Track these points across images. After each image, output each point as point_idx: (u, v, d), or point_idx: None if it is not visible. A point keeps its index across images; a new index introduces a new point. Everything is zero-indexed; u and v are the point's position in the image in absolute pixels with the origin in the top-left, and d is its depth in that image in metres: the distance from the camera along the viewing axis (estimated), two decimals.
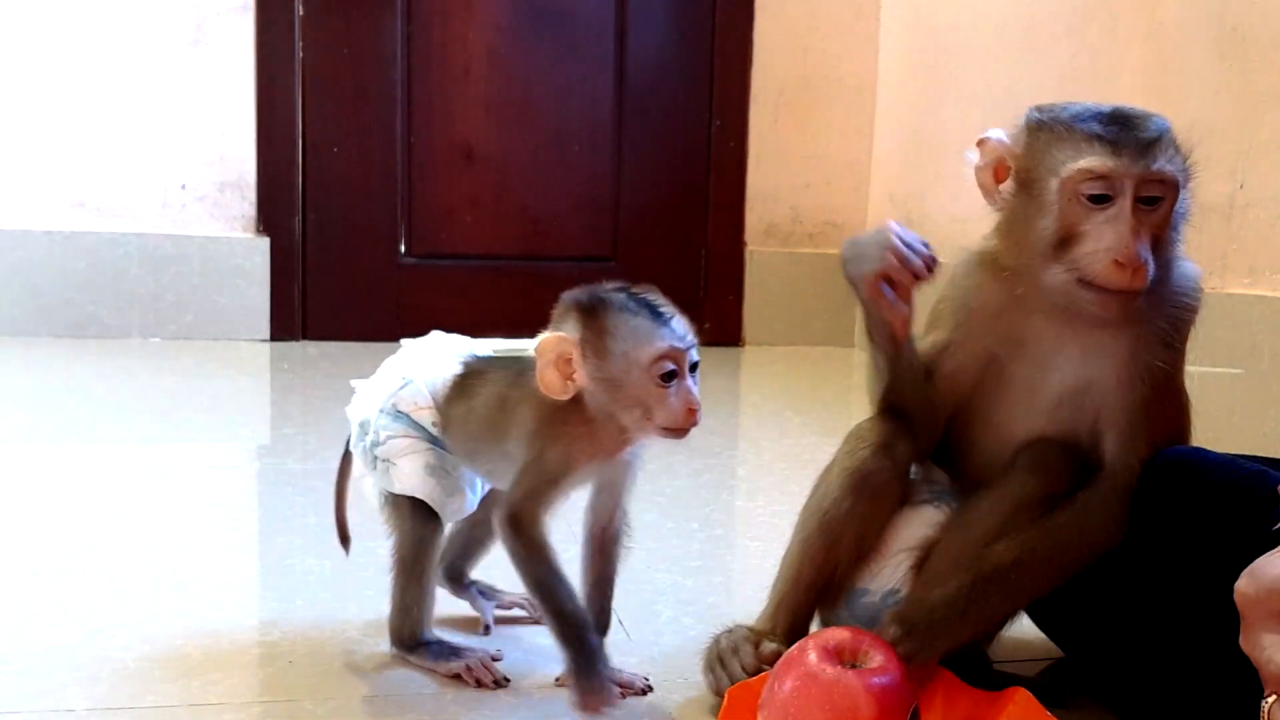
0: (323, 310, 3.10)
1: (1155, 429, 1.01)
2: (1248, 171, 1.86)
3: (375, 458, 1.09)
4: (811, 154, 3.33)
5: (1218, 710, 0.89)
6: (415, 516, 1.08)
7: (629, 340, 0.96)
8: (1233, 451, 1.02)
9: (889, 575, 1.06)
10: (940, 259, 1.00)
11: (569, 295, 1.00)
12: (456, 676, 1.07)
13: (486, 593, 1.22)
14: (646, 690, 1.05)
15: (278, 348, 3.00)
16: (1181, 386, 1.05)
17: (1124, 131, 0.96)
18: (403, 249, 3.16)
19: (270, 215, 3.06)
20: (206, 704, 1.01)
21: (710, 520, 1.68)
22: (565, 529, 1.06)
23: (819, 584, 1.08)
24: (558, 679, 1.06)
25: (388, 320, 3.06)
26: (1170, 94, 2.02)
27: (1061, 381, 1.03)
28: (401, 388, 1.09)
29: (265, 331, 3.06)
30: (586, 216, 3.26)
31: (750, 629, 1.08)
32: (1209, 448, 1.01)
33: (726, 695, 0.95)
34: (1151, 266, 0.95)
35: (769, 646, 1.04)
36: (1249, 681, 0.75)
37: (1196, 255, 1.05)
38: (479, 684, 1.06)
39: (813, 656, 0.88)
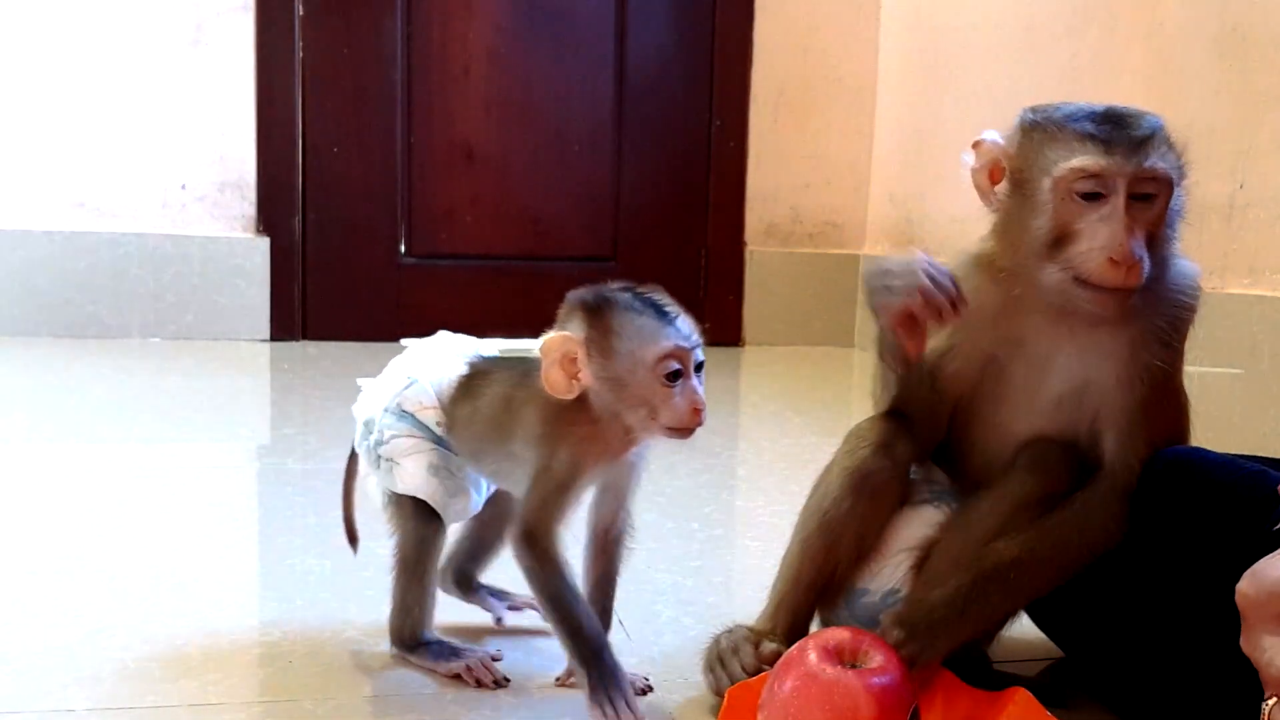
0: (323, 310, 3.10)
1: (1154, 429, 1.02)
2: (1248, 171, 1.86)
3: (379, 457, 1.09)
4: (811, 154, 3.33)
5: (1218, 711, 0.89)
6: (417, 517, 1.08)
7: (634, 339, 0.96)
8: (1233, 451, 1.02)
9: (889, 575, 1.06)
10: (940, 259, 1.00)
11: (574, 294, 0.99)
12: (457, 676, 1.07)
13: (497, 595, 1.21)
14: (646, 690, 1.05)
15: (278, 348, 3.00)
16: (1181, 386, 1.05)
17: (1116, 130, 0.96)
18: (403, 249, 3.16)
19: (270, 215, 3.06)
20: (206, 704, 1.01)
21: (710, 520, 1.68)
22: (566, 529, 1.06)
23: (819, 584, 1.08)
24: (558, 679, 1.06)
25: (388, 320, 3.06)
26: (1170, 94, 2.02)
27: (1060, 382, 1.03)
28: (406, 387, 1.09)
29: (265, 331, 3.06)
30: (586, 216, 3.26)
31: (750, 629, 1.08)
32: (1209, 448, 1.01)
33: (726, 695, 0.95)
34: (1147, 264, 0.95)
35: (769, 646, 1.04)
36: (1249, 682, 0.75)
37: (1196, 255, 1.05)
38: (479, 684, 1.06)
39: (813, 656, 0.88)
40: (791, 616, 1.08)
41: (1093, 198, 0.96)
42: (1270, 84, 1.83)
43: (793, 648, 0.91)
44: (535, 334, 0.99)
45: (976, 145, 1.02)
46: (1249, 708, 0.75)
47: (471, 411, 1.07)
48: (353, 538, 1.19)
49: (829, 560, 1.07)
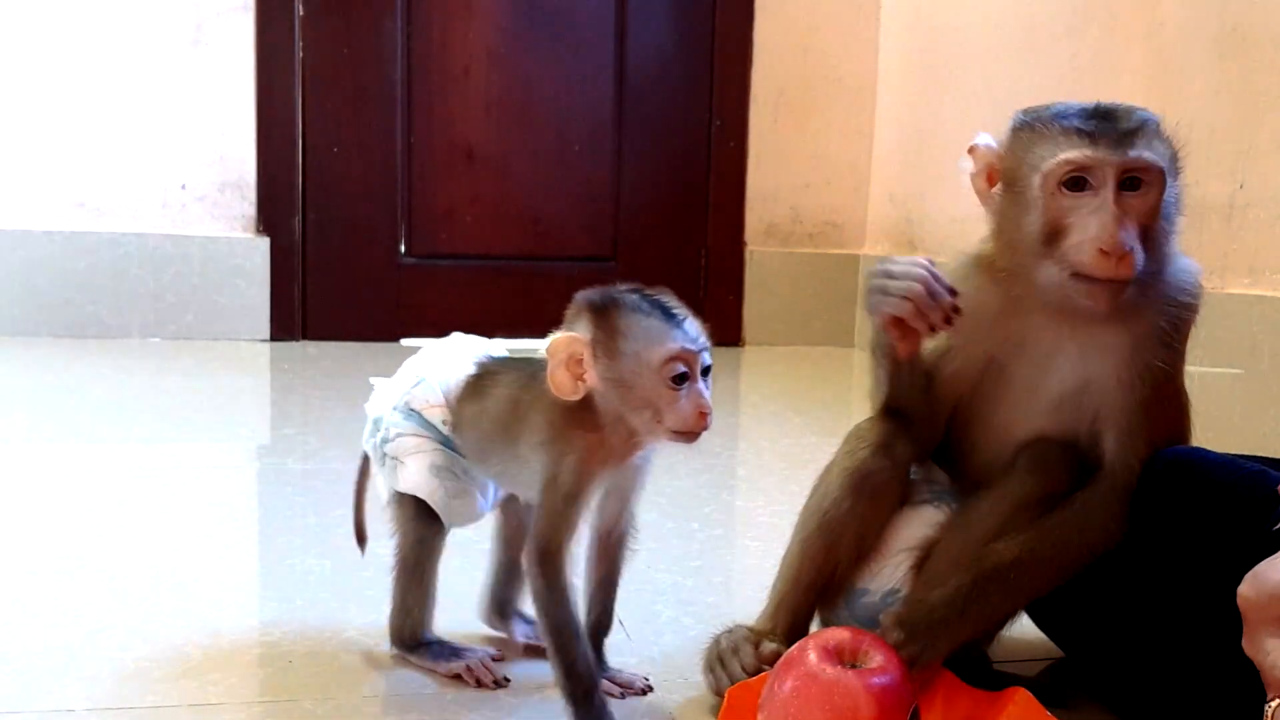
0: (323, 310, 3.10)
1: (1154, 429, 1.02)
2: (1248, 171, 1.86)
3: (384, 455, 1.09)
4: (811, 154, 3.33)
5: (1219, 712, 0.89)
6: (418, 517, 1.08)
7: (641, 341, 0.95)
8: (1233, 451, 1.02)
9: (889, 575, 1.06)
10: (940, 259, 1.01)
11: (582, 295, 0.99)
12: (457, 677, 1.07)
13: (530, 623, 1.16)
14: (646, 690, 1.05)
15: (278, 348, 3.00)
16: (1181, 386, 1.05)
17: (1103, 123, 0.97)
18: (403, 249, 3.16)
19: (270, 215, 3.06)
20: (206, 704, 1.01)
21: (710, 520, 1.68)
22: (578, 544, 1.06)
23: (819, 584, 1.08)
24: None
25: (388, 320, 3.06)
26: (1170, 94, 2.02)
27: (1061, 382, 1.03)
28: (415, 385, 1.09)
29: (265, 331, 3.06)
30: (586, 216, 3.26)
31: (750, 629, 1.08)
32: (1209, 448, 1.01)
33: (726, 695, 0.95)
34: (1139, 256, 0.95)
35: (769, 646, 1.04)
36: (1250, 683, 0.75)
37: (1196, 255, 1.06)
38: (479, 684, 1.06)
39: (813, 656, 0.88)
40: (791, 616, 1.08)
41: (1082, 191, 0.96)
42: (1270, 84, 1.83)
43: (793, 648, 0.91)
44: (535, 334, 0.99)
45: (972, 150, 1.03)
46: (1250, 709, 0.75)
47: (478, 412, 1.07)
48: (361, 538, 1.19)
49: (829, 560, 1.07)
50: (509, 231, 3.21)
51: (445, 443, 1.08)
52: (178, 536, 1.50)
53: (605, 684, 1.04)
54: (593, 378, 0.96)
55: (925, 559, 1.05)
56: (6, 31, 2.90)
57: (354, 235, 3.12)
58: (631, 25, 3.22)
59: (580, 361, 0.96)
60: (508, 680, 1.07)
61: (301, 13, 3.03)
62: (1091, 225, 0.95)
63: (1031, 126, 1.00)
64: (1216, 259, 1.89)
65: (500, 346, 1.13)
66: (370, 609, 1.19)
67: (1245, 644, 0.74)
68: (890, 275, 0.97)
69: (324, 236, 3.10)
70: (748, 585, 1.26)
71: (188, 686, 1.04)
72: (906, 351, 1.00)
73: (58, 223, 2.95)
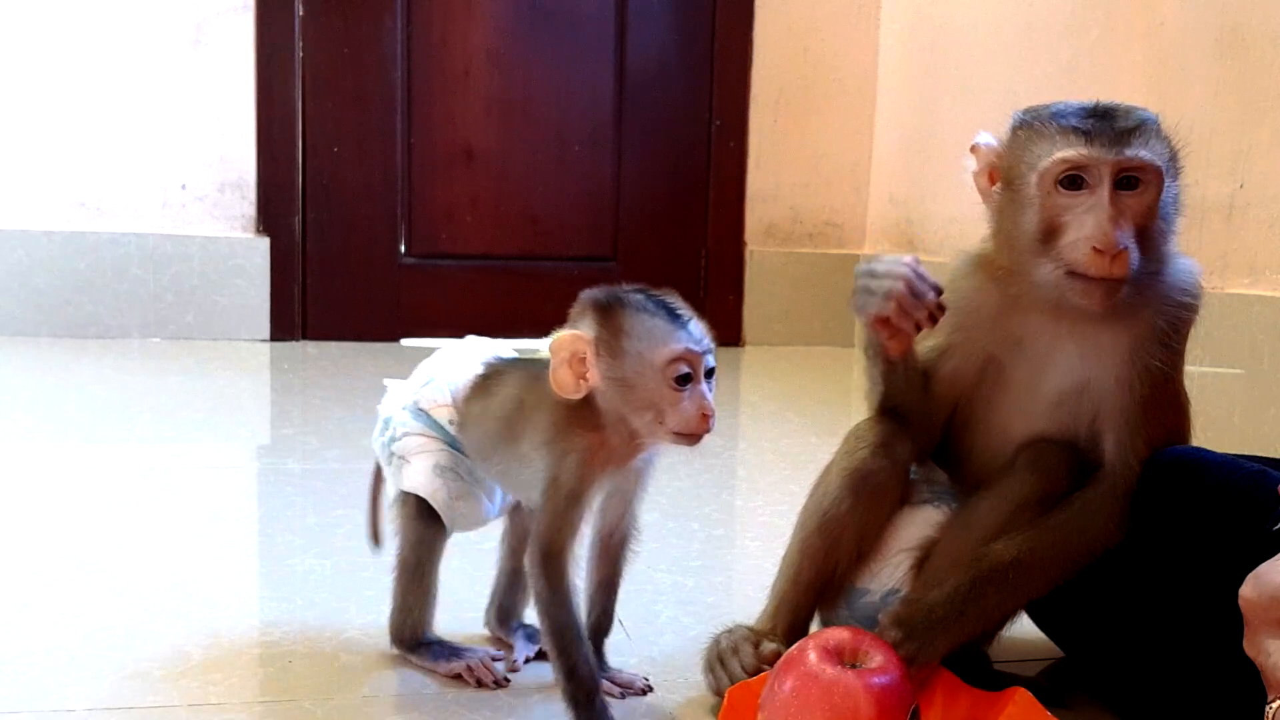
0: (323, 310, 3.10)
1: (1154, 429, 1.02)
2: (1248, 171, 1.86)
3: (391, 454, 1.09)
4: (811, 154, 3.33)
5: (1220, 712, 0.89)
6: (420, 517, 1.08)
7: (644, 340, 0.95)
8: (1233, 451, 1.02)
9: (889, 575, 1.06)
10: (940, 259, 1.01)
11: (587, 294, 0.98)
12: (457, 676, 1.07)
13: (532, 636, 1.15)
14: (646, 690, 1.06)
15: (278, 348, 3.00)
16: (1181, 386, 1.05)
17: (1100, 122, 0.97)
18: (403, 249, 3.16)
19: (270, 215, 3.06)
20: (206, 704, 1.01)
21: (710, 520, 1.68)
22: (580, 546, 1.06)
23: (819, 584, 1.08)
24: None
25: (388, 320, 3.06)
26: (1170, 94, 2.02)
27: (1060, 382, 1.03)
28: (424, 385, 1.09)
29: (265, 331, 3.06)
30: (586, 216, 3.26)
31: (750, 629, 1.08)
32: (1209, 448, 1.01)
33: (726, 695, 0.95)
34: (1135, 254, 0.95)
35: (769, 646, 1.04)
36: (1250, 683, 0.75)
37: (1196, 255, 1.06)
38: (479, 684, 1.06)
39: (813, 656, 0.88)
40: (791, 616, 1.08)
41: (1078, 189, 0.96)
42: (1270, 84, 1.83)
43: (793, 648, 0.91)
44: (535, 334, 0.99)
45: (974, 149, 1.04)
46: (1251, 709, 0.75)
47: (483, 410, 1.06)
48: (376, 538, 1.18)
49: (829, 560, 1.07)
50: (509, 231, 3.21)
51: (452, 444, 1.08)
52: (178, 536, 1.50)
53: (605, 684, 1.04)
54: (595, 377, 0.96)
55: (925, 559, 1.05)
56: (7, 32, 2.90)
57: (354, 235, 3.12)
58: (631, 25, 3.22)
59: (583, 360, 0.96)
60: (508, 680, 1.07)
61: (301, 13, 3.03)
62: (1086, 223, 0.96)
63: (1030, 125, 1.00)
64: (1216, 259, 1.89)
65: (511, 348, 1.13)
66: (370, 609, 1.19)
67: (1246, 645, 0.74)
68: (874, 274, 0.98)
69: (324, 236, 3.10)
70: (748, 585, 1.26)
71: (188, 686, 1.04)
72: (897, 350, 1.00)
73: (58, 223, 2.95)
